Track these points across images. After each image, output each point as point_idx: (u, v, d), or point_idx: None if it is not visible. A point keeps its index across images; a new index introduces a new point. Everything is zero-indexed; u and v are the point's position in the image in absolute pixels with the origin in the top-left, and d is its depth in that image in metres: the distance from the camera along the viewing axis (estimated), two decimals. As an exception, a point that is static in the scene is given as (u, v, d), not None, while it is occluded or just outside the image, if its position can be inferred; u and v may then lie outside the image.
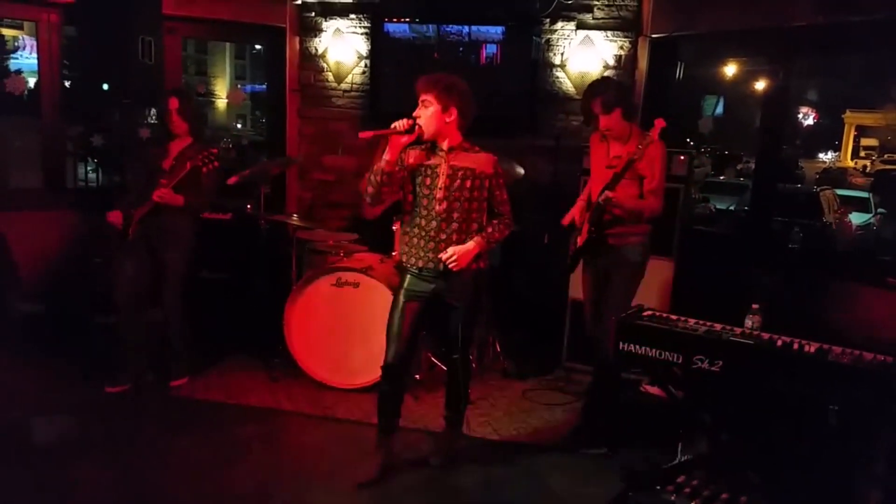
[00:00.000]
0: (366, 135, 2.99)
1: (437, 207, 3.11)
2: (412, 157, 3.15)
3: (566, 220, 3.85)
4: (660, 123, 3.48)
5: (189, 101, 4.13)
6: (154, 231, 4.01)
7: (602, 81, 3.88)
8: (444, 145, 3.13)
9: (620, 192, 3.46)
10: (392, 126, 3.00)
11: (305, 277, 4.30)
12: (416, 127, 3.03)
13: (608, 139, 3.68)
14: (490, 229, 3.19)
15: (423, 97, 3.07)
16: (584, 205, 3.79)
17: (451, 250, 3.09)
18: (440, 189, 3.10)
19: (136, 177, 4.18)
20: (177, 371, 4.23)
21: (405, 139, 3.02)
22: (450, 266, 3.08)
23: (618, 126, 3.58)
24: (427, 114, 3.05)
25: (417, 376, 4.28)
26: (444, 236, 3.13)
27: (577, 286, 4.65)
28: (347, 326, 4.19)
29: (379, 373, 3.28)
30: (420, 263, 3.16)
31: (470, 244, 3.12)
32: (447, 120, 3.08)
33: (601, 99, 3.51)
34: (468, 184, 3.12)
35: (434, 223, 3.12)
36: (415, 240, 3.18)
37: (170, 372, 4.22)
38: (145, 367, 4.23)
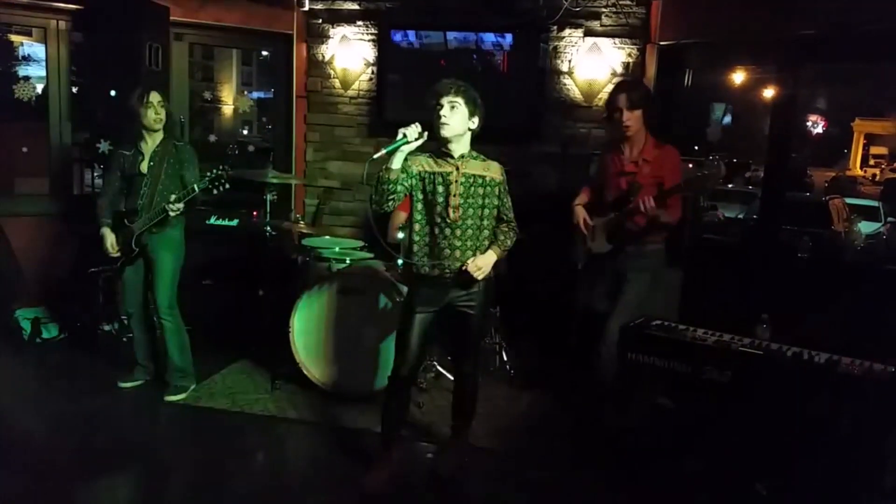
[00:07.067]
0: (381, 155, 2.96)
1: (452, 215, 3.08)
2: (421, 164, 3.12)
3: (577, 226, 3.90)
4: None
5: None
6: (148, 237, 3.97)
7: (633, 80, 4.32)
8: (456, 153, 3.11)
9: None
10: (402, 135, 2.96)
11: (310, 284, 4.28)
12: (425, 133, 2.99)
13: (623, 147, 3.75)
14: (502, 237, 3.20)
15: (449, 99, 3.02)
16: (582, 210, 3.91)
17: (476, 262, 3.08)
18: (455, 196, 3.07)
19: (112, 184, 4.05)
20: (175, 385, 4.12)
21: (413, 146, 2.99)
22: (476, 277, 3.08)
23: (636, 126, 3.69)
24: (457, 115, 3.02)
25: (422, 385, 4.26)
26: (458, 243, 3.10)
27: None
28: (352, 334, 4.16)
29: (384, 382, 3.25)
30: (435, 272, 3.14)
31: (490, 254, 3.14)
32: (471, 126, 3.09)
33: (628, 95, 3.65)
34: (480, 191, 3.11)
35: (448, 231, 3.10)
36: (427, 248, 3.14)
37: (167, 385, 4.14)
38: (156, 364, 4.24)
